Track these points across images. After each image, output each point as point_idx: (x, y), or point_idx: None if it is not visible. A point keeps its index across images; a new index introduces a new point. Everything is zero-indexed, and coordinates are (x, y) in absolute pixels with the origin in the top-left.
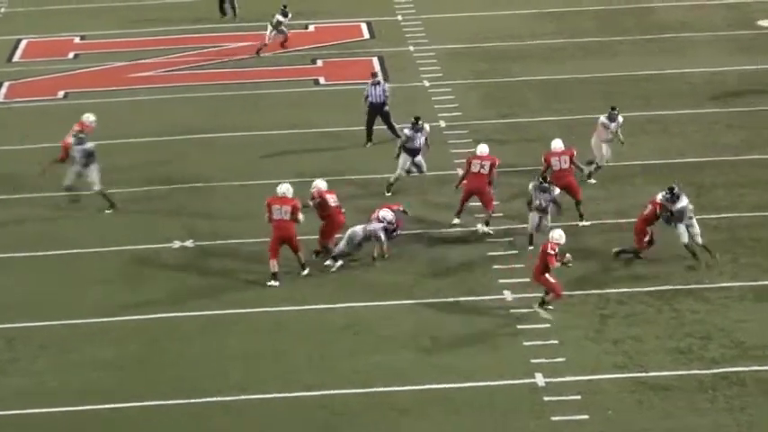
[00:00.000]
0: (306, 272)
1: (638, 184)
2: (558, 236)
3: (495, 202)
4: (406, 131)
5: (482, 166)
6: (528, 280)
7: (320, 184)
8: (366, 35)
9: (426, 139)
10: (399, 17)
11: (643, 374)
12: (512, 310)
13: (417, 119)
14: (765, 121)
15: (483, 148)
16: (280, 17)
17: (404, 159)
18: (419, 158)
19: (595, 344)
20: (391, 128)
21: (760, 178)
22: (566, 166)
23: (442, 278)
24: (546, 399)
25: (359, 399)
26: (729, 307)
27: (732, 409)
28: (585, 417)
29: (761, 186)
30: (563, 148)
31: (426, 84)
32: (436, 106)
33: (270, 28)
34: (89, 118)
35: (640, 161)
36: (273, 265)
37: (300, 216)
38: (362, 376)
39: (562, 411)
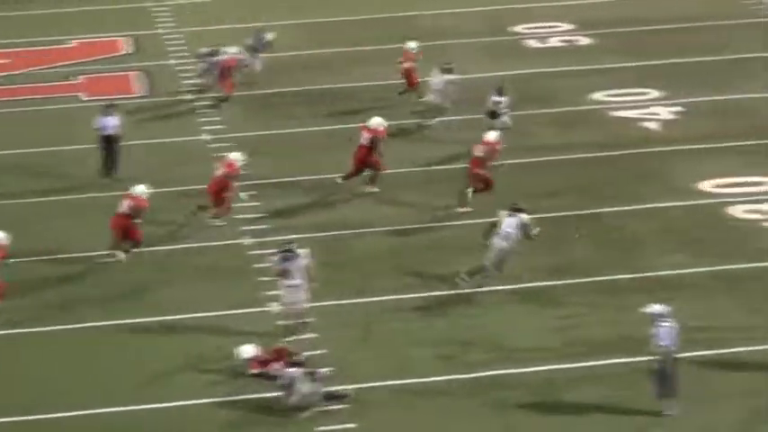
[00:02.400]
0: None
1: (408, 191)
2: None
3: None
4: None
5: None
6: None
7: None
8: (127, 50)
9: None
10: (160, 30)
11: (412, 380)
12: (278, 322)
13: None
14: (523, 126)
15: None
16: None
17: None
18: None
19: (364, 351)
20: (115, 159)
21: (521, 182)
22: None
23: (204, 292)
24: (315, 409)
25: None
26: (496, 311)
27: (501, 413)
28: (354, 425)
29: (521, 191)
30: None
31: (190, 97)
32: (200, 119)
33: None
34: None
35: (416, 168)
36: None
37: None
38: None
39: (330, 421)
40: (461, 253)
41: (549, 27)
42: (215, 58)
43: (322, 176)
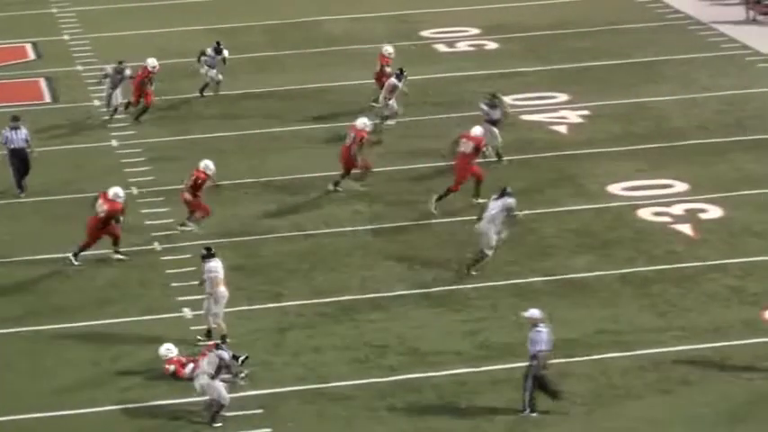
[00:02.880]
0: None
1: (313, 196)
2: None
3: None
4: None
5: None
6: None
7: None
8: (32, 56)
9: None
10: (66, 36)
11: (323, 385)
12: (191, 327)
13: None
14: (429, 129)
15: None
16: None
17: None
18: None
19: (276, 357)
20: (23, 176)
21: (429, 188)
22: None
23: (116, 299)
24: (228, 414)
25: None
26: (405, 315)
27: (411, 416)
28: (268, 430)
29: (426, 196)
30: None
31: (97, 103)
32: (109, 125)
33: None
34: None
35: (319, 173)
36: None
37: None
38: None
39: (244, 426)
40: (378, 257)
41: (458, 32)
42: (126, 73)
43: (234, 181)
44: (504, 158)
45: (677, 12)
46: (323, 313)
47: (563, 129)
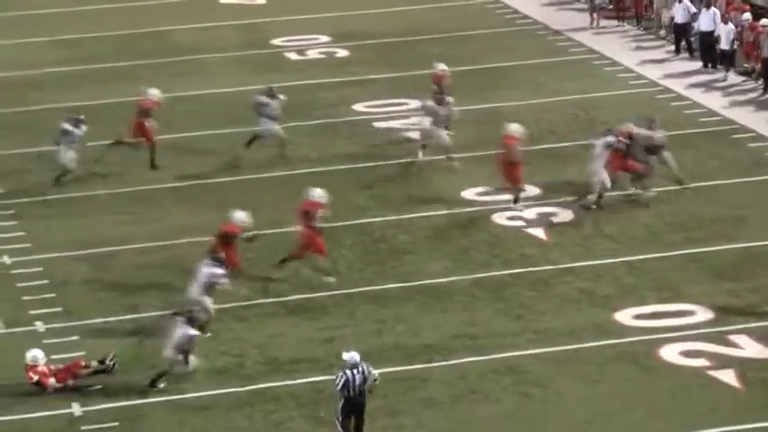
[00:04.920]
0: None
1: (168, 206)
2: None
3: None
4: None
5: None
6: None
7: None
8: None
9: None
10: None
11: (182, 396)
12: (44, 341)
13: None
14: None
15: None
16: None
17: None
18: None
19: (133, 369)
20: None
21: (279, 195)
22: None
23: None
24: (83, 428)
25: None
26: (263, 323)
27: (269, 424)
28: None
29: (279, 203)
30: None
31: None
32: None
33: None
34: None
35: (169, 184)
36: None
37: None
38: None
39: None
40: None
41: (308, 39)
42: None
43: (87, 193)
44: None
45: (526, 17)
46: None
47: (417, 135)
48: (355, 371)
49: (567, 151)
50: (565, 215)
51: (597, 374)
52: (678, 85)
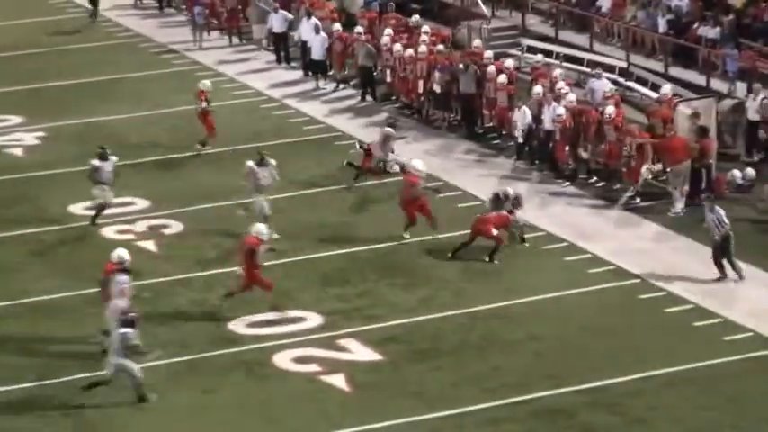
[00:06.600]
0: None
1: None
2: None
3: None
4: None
5: None
6: None
7: None
8: None
9: None
10: None
11: None
12: None
13: None
14: None
15: None
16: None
17: None
18: None
19: None
20: None
21: None
22: None
23: None
24: None
25: None
26: None
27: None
28: None
29: None
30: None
31: None
32: None
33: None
34: None
35: None
36: None
37: None
38: None
39: None
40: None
41: None
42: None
43: None
44: None
45: (128, 30)
46: None
47: (19, 151)
48: None
49: (173, 163)
50: (175, 227)
51: (212, 384)
52: (281, 94)
